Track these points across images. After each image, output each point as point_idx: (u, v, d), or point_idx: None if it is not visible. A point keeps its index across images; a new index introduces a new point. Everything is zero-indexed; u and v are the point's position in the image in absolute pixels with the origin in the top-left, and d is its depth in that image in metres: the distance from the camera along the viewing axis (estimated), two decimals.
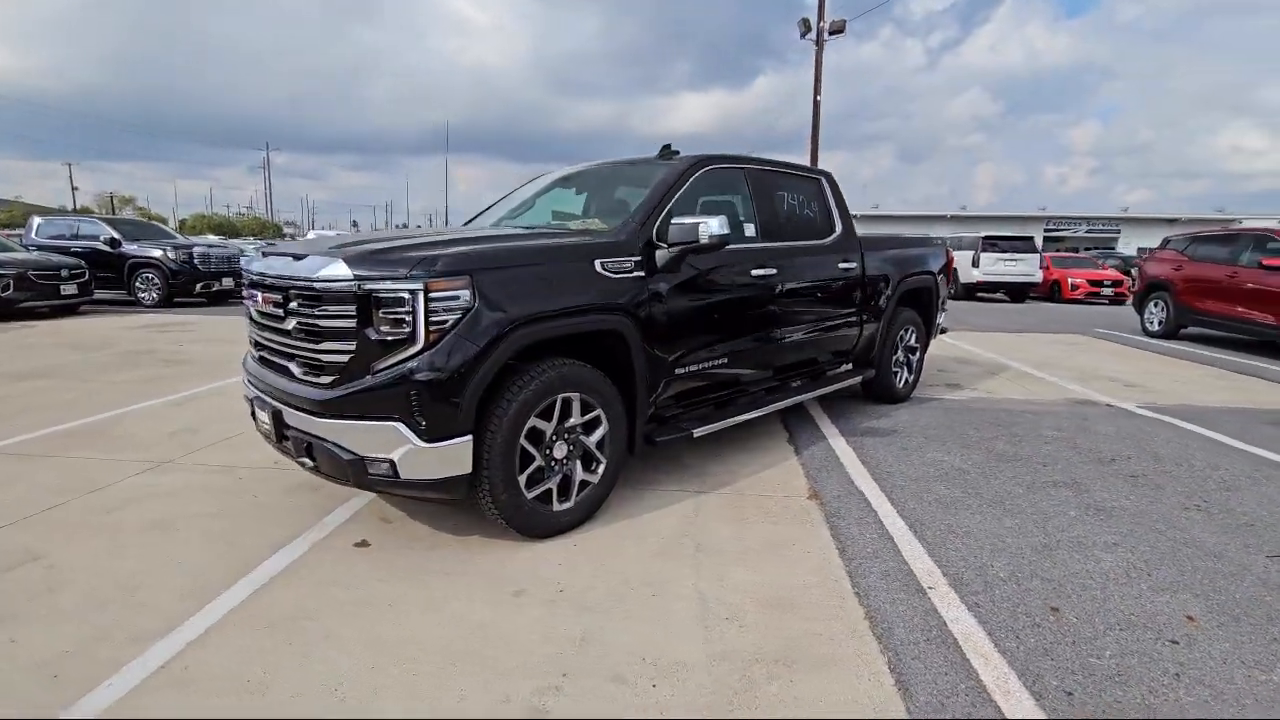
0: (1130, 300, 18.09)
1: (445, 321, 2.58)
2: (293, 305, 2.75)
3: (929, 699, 1.98)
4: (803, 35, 21.88)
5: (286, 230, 77.26)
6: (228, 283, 13.52)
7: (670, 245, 3.32)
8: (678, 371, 3.49)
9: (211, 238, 24.83)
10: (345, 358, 2.62)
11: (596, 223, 3.67)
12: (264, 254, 3.17)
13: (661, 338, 3.33)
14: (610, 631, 2.31)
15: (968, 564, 2.81)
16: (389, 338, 2.57)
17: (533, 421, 2.83)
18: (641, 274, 3.23)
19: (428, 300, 2.54)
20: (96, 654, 2.13)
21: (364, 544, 2.93)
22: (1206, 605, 2.52)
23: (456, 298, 2.60)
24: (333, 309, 2.60)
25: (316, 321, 2.65)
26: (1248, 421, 5.30)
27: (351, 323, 2.58)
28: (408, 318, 2.54)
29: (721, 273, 3.67)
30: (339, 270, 2.58)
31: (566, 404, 2.96)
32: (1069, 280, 18.07)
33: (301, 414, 2.74)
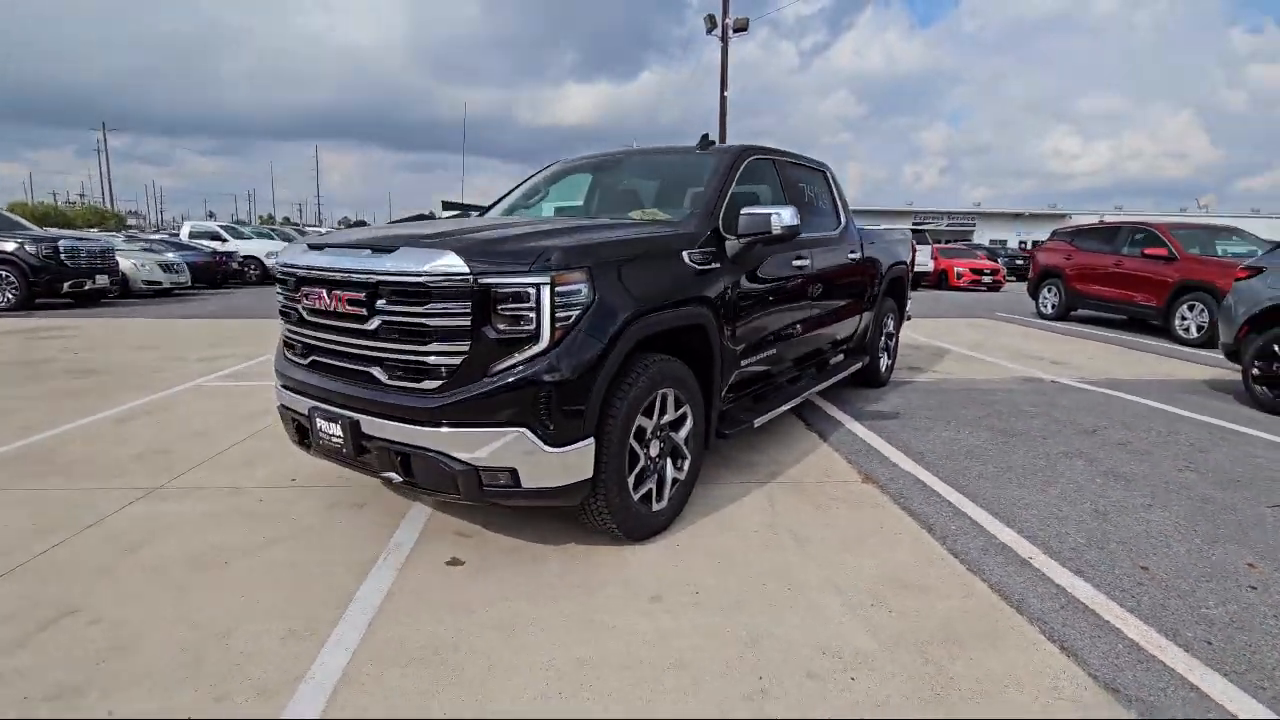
0: (1004, 287, 20.21)
1: (569, 318, 2.41)
2: (382, 304, 2.46)
3: (1100, 661, 2.12)
4: (709, 31, 22.36)
5: (132, 221, 68.79)
6: (102, 280, 11.88)
7: (740, 236, 3.30)
8: (742, 364, 3.49)
9: (92, 232, 21.63)
10: (457, 360, 2.38)
11: (656, 213, 3.57)
12: (313, 246, 2.82)
13: (732, 330, 3.31)
14: (774, 629, 2.27)
15: (1047, 533, 3.02)
16: (509, 336, 2.37)
17: (638, 420, 2.73)
18: (717, 265, 3.19)
19: (554, 295, 2.37)
20: (234, 714, 1.82)
21: (457, 562, 2.70)
22: (1255, 553, 2.86)
23: (579, 292, 2.45)
24: (444, 306, 2.35)
25: (423, 321, 2.39)
26: (1169, 390, 6.07)
27: (465, 321, 2.36)
28: (531, 314, 2.36)
29: (776, 263, 3.70)
30: (453, 263, 2.34)
31: (663, 400, 2.87)
32: (955, 270, 19.77)
33: (396, 423, 2.47)
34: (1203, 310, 8.70)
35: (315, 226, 43.95)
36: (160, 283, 14.09)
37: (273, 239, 20.84)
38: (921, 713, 1.88)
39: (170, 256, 15.10)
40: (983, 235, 52.79)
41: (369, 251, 2.56)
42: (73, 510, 3.10)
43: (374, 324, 2.50)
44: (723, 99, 22.78)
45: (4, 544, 2.76)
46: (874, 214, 52.91)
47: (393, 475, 2.58)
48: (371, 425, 2.54)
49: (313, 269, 2.68)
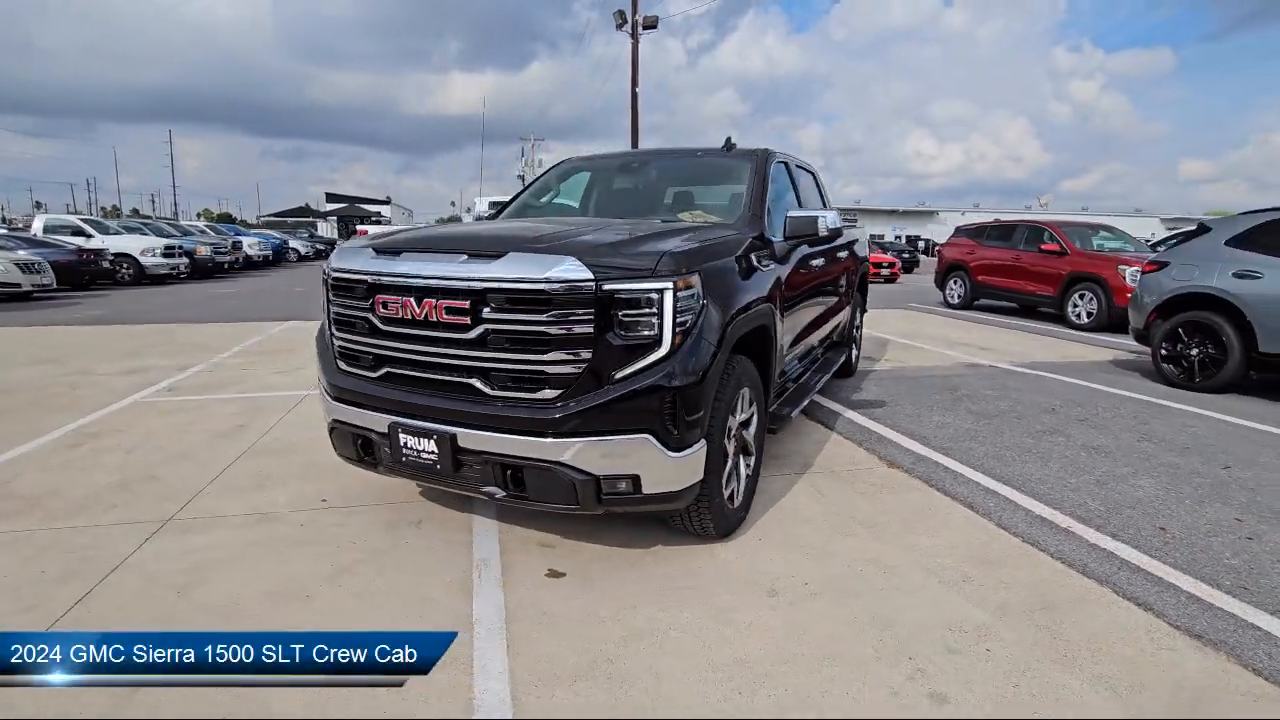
0: (899, 279, 21.81)
1: (686, 322, 2.42)
2: (489, 312, 2.34)
3: (1175, 613, 2.41)
4: (618, 27, 22.41)
5: None
6: None
7: (788, 238, 3.40)
8: (785, 360, 3.61)
9: None
10: (578, 368, 2.32)
11: (703, 214, 3.60)
12: (381, 250, 2.63)
13: (782, 328, 3.42)
14: (894, 612, 2.40)
15: (1069, 504, 3.36)
16: (632, 342, 2.34)
17: (727, 419, 2.77)
18: (772, 265, 3.28)
19: (675, 300, 2.36)
20: None
21: (557, 573, 2.63)
22: (1234, 509, 3.34)
23: (694, 295, 2.45)
24: (565, 313, 2.28)
25: (543, 329, 2.30)
26: (1090, 370, 6.86)
27: (588, 328, 2.30)
28: (654, 319, 2.34)
29: (803, 261, 3.84)
30: (576, 270, 2.27)
31: (743, 399, 2.93)
32: None
33: (506, 436, 2.37)
34: (1091, 298, 9.86)
35: (171, 220, 39.64)
36: (19, 285, 12.29)
37: (145, 234, 18.66)
38: (1065, 673, 2.07)
39: (23, 254, 13.20)
40: (864, 231, 56.62)
41: (465, 256, 2.43)
42: (79, 553, 2.72)
43: (476, 333, 2.37)
44: (634, 95, 22.94)
45: (23, 596, 2.39)
46: None
47: (494, 491, 2.47)
48: (471, 439, 2.42)
49: (395, 275, 2.50)
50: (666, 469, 2.40)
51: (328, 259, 2.98)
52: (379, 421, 2.60)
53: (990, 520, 3.18)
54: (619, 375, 2.34)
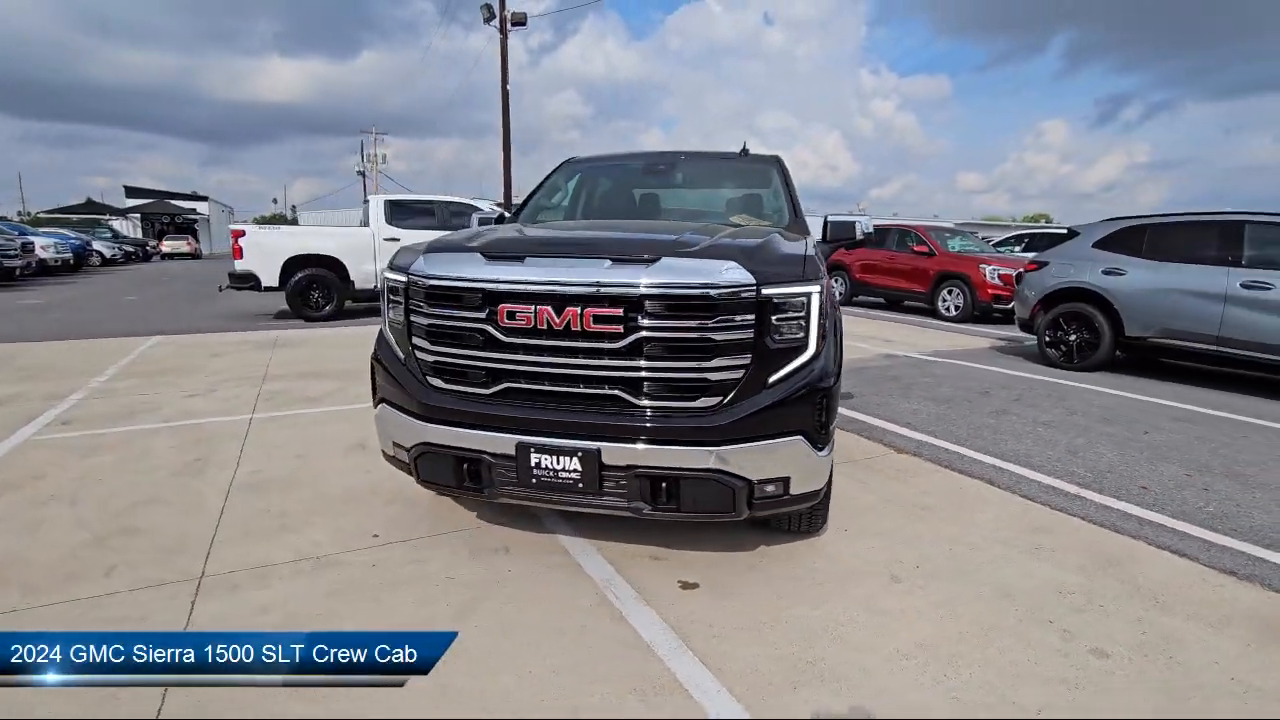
0: None
1: (823, 324, 2.48)
2: (644, 319, 2.24)
3: (1204, 557, 2.87)
4: (486, 21, 21.72)
5: None
6: None
7: (829, 240, 3.57)
8: None
9: None
10: (739, 373, 2.30)
11: (750, 218, 3.65)
12: (492, 256, 2.42)
13: None
14: (1005, 581, 2.63)
15: (1063, 472, 3.86)
16: (784, 345, 2.36)
17: None
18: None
19: (820, 302, 2.41)
20: None
21: (691, 585, 2.57)
22: (1179, 466, 4.03)
23: (828, 298, 2.52)
24: (730, 319, 2.25)
25: (707, 335, 2.24)
26: (986, 356, 7.84)
27: (749, 333, 2.28)
28: (803, 321, 2.38)
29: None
30: (741, 274, 2.25)
31: None
32: None
33: (662, 447, 2.28)
34: (958, 294, 11.23)
35: None
36: None
37: None
38: (1168, 616, 2.40)
39: None
40: None
41: (609, 262, 2.30)
42: (112, 626, 2.21)
43: (628, 341, 2.26)
44: (504, 92, 22.37)
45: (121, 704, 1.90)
46: None
47: (641, 506, 2.36)
48: (619, 453, 2.30)
49: (527, 283, 2.30)
50: (812, 468, 2.44)
51: (394, 264, 2.67)
52: (499, 442, 2.37)
53: (1014, 493, 3.57)
54: (773, 379, 2.34)
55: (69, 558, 2.68)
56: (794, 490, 2.43)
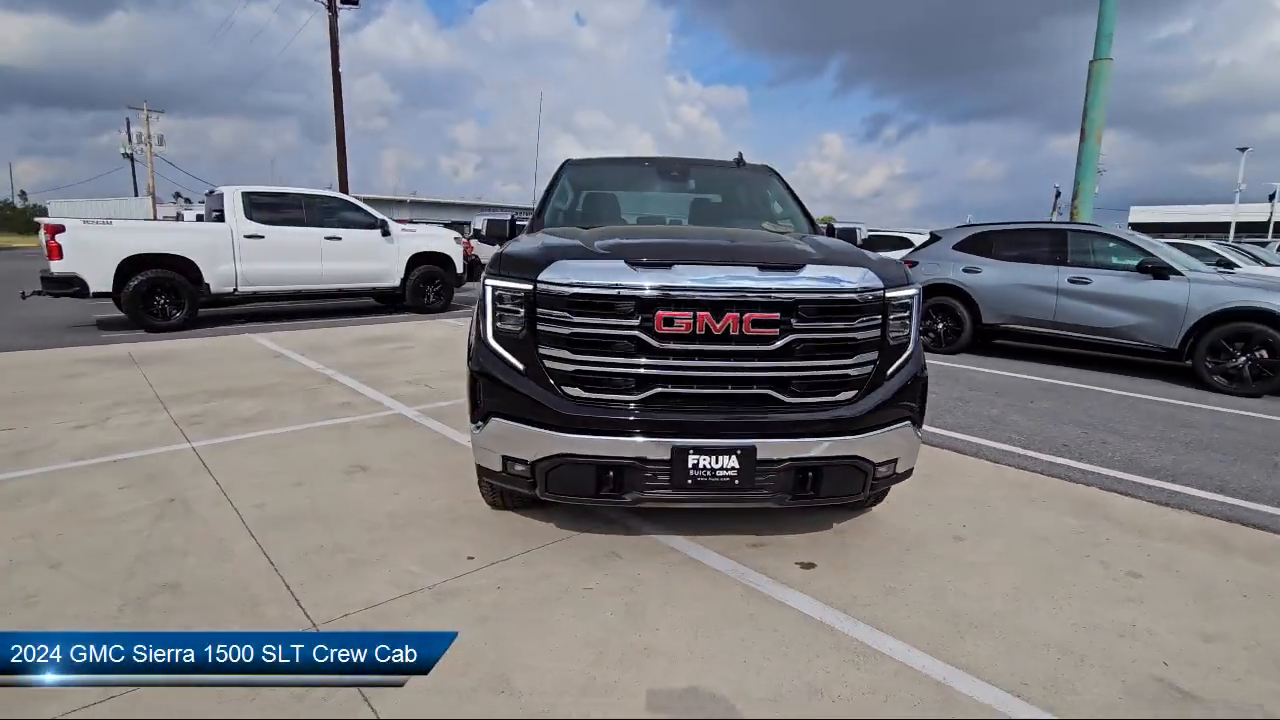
0: None
1: (917, 322, 2.82)
2: (796, 322, 2.41)
3: (1197, 505, 3.58)
4: None
5: None
6: None
7: None
8: None
9: None
10: (870, 368, 2.56)
11: (773, 225, 3.90)
12: (636, 264, 2.44)
13: None
14: (1034, 528, 3.19)
15: (1002, 437, 4.63)
16: (897, 342, 2.66)
17: None
18: None
19: (918, 303, 2.75)
20: None
21: (809, 565, 2.79)
22: (1073, 426, 5.00)
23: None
24: (868, 319, 2.51)
25: (851, 335, 2.47)
26: None
27: (877, 332, 2.56)
28: (909, 320, 2.70)
29: None
30: (874, 279, 2.51)
31: None
32: None
33: (809, 440, 2.48)
34: None
35: None
36: None
37: None
38: (1209, 556, 2.99)
39: None
40: None
41: (756, 269, 2.44)
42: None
43: (782, 343, 2.42)
44: (336, 75, 20.55)
45: None
46: (428, 206, 55.62)
47: (784, 497, 2.53)
48: (771, 448, 2.46)
49: (687, 290, 2.36)
50: (913, 448, 2.78)
51: (504, 272, 2.58)
52: (654, 447, 2.41)
53: (983, 459, 4.24)
54: (890, 371, 2.64)
55: (111, 625, 2.22)
56: (900, 469, 2.75)
